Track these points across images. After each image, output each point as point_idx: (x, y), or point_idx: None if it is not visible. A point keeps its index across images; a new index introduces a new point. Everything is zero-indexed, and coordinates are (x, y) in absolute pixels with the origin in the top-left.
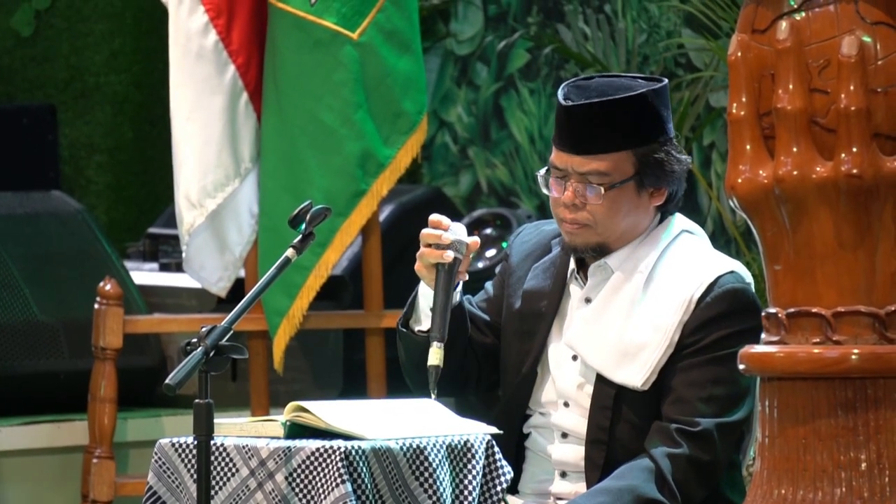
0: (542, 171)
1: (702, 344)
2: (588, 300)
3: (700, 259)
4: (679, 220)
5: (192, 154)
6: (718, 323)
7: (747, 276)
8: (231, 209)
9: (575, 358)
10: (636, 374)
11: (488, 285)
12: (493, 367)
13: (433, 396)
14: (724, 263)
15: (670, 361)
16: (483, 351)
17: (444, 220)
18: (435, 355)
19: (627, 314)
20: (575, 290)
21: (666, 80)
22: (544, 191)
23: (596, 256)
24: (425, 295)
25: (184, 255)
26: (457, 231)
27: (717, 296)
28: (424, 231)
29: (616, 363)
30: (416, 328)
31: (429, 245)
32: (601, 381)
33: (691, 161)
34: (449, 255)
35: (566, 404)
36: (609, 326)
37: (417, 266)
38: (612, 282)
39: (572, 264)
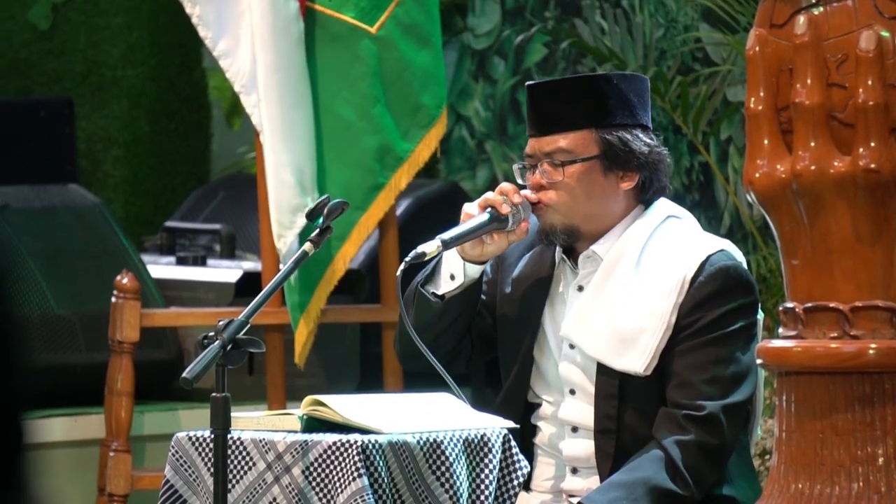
0: (518, 164)
1: (699, 325)
2: (581, 288)
3: (689, 240)
4: (664, 205)
5: (303, 139)
6: (713, 301)
7: (738, 254)
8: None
9: (573, 347)
10: (637, 360)
11: (487, 268)
12: (485, 347)
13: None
14: (714, 242)
15: (670, 344)
16: (478, 331)
17: (523, 192)
18: (430, 246)
19: (621, 300)
20: (565, 275)
21: (646, 77)
22: (519, 181)
23: (569, 242)
24: (448, 261)
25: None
26: (526, 207)
27: (709, 274)
28: (505, 183)
29: (616, 351)
30: (432, 290)
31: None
32: (602, 370)
33: (668, 153)
34: (506, 208)
35: (572, 392)
36: (604, 314)
37: (473, 203)
38: (603, 269)
39: (559, 249)
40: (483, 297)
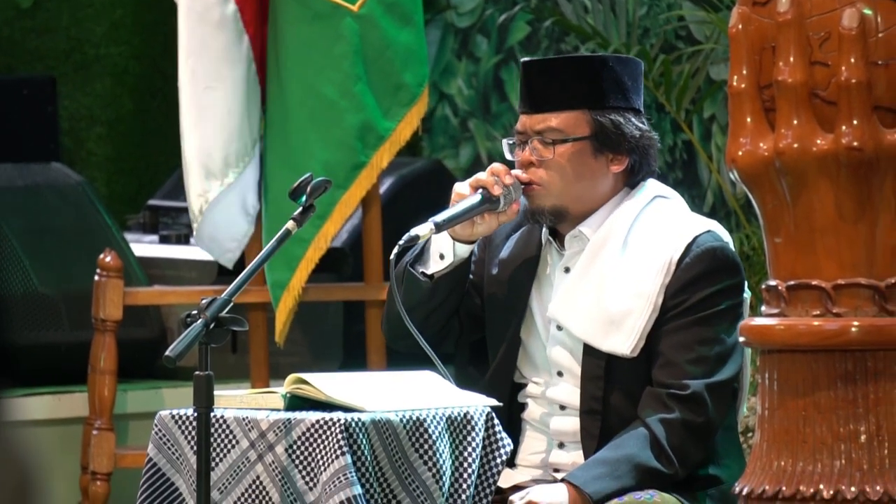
0: (508, 139)
1: (685, 305)
2: (567, 270)
3: (676, 221)
4: (652, 186)
5: (213, 124)
6: (700, 283)
7: (725, 235)
8: (245, 180)
9: (560, 328)
10: (623, 341)
11: (475, 249)
12: (472, 327)
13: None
14: (701, 223)
15: (656, 325)
16: (466, 310)
17: (514, 172)
18: (423, 229)
19: (608, 282)
20: (551, 257)
21: (640, 61)
22: (508, 156)
23: (556, 222)
24: (438, 240)
25: (195, 225)
26: (517, 188)
27: (696, 255)
28: (496, 164)
29: (602, 332)
30: (421, 269)
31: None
32: (589, 351)
33: (658, 138)
34: (498, 189)
35: (559, 373)
36: (591, 295)
37: (464, 182)
38: (589, 250)
39: (546, 230)
40: (471, 276)
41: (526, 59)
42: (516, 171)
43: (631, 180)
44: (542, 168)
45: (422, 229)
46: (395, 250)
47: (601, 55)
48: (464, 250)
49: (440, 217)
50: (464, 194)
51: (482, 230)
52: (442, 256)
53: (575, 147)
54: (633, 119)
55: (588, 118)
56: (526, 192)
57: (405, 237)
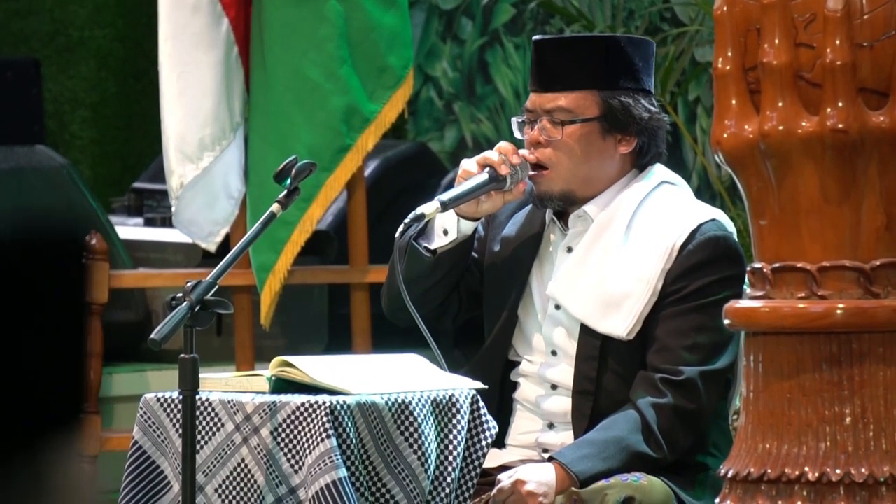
0: (517, 118)
1: (685, 292)
2: (570, 249)
3: (681, 207)
4: (659, 171)
5: (188, 107)
6: (701, 270)
7: (729, 224)
8: (224, 163)
9: (558, 307)
10: (620, 323)
11: (479, 226)
12: (471, 304)
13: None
14: (706, 211)
15: (654, 310)
16: (466, 287)
17: (522, 152)
18: (429, 207)
19: (609, 263)
20: (554, 236)
21: (652, 41)
22: (517, 135)
23: (563, 206)
24: (442, 216)
25: (174, 208)
26: (525, 168)
27: (699, 243)
28: (504, 143)
29: (600, 313)
30: (424, 244)
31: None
32: (586, 332)
33: (668, 120)
34: (505, 169)
35: (554, 353)
36: (591, 276)
37: (472, 159)
38: (593, 231)
39: (550, 210)
40: (473, 254)
41: (538, 37)
42: (524, 151)
43: (639, 162)
44: (551, 148)
45: (428, 208)
46: (401, 228)
47: (614, 35)
48: (468, 227)
49: (446, 196)
50: (471, 171)
51: (487, 208)
52: (446, 232)
53: (584, 128)
54: (642, 101)
55: (598, 99)
56: (534, 177)
57: (411, 215)
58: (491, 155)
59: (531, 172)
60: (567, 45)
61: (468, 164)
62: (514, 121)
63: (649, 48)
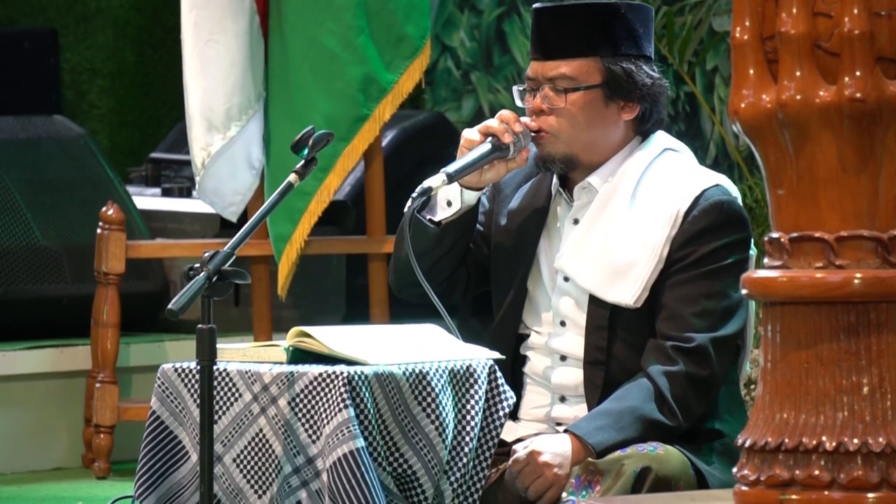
0: (519, 86)
1: (691, 258)
2: (576, 221)
3: (685, 174)
4: (661, 138)
5: (215, 77)
6: (706, 236)
7: (733, 189)
8: (248, 134)
9: (567, 279)
10: (627, 291)
11: (484, 199)
12: (480, 278)
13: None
14: (709, 177)
15: (661, 277)
16: (474, 260)
17: (524, 120)
18: (436, 180)
19: (615, 233)
20: (561, 208)
21: (651, 7)
22: (519, 103)
23: (567, 170)
24: (444, 188)
25: (198, 178)
26: (527, 135)
27: (703, 209)
28: (505, 111)
29: (607, 282)
30: (428, 216)
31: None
32: (594, 302)
33: (668, 86)
34: (508, 137)
35: (563, 323)
36: (598, 246)
37: (473, 128)
38: (598, 201)
39: (556, 181)
40: (480, 227)
41: (538, 5)
42: (525, 119)
43: (641, 128)
44: (553, 116)
45: (434, 181)
46: (409, 203)
47: (613, 2)
48: (471, 197)
49: (451, 168)
50: (473, 140)
51: (490, 177)
52: (449, 203)
53: (587, 95)
54: (644, 66)
55: (600, 66)
56: (536, 139)
57: (418, 189)
58: (493, 124)
59: (537, 137)
60: (568, 12)
61: (470, 134)
62: (515, 89)
63: (648, 14)
